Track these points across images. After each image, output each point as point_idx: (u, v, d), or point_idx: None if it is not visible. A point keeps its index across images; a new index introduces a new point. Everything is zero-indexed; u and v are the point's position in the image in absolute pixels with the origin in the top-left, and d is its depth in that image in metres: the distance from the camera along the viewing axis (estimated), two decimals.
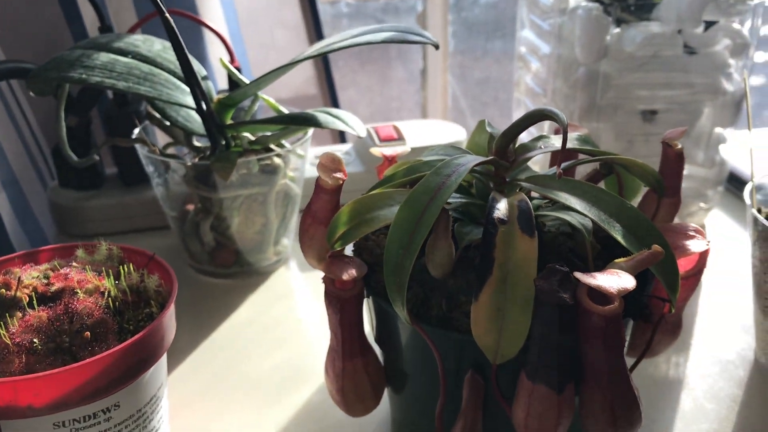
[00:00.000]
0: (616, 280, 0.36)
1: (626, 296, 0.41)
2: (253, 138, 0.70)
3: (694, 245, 0.42)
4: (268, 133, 0.70)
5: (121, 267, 0.45)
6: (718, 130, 0.76)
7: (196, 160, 0.69)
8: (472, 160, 0.42)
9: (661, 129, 0.75)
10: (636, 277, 0.43)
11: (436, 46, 0.63)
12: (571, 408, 0.39)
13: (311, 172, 0.80)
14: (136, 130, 0.72)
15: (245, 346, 0.64)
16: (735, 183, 0.90)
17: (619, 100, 0.73)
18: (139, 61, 0.64)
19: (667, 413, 0.55)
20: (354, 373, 0.45)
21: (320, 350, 0.63)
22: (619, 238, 0.40)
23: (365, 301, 0.46)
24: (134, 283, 0.45)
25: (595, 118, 0.75)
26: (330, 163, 0.41)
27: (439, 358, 0.41)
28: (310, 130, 0.71)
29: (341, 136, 1.14)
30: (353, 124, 0.65)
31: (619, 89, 0.73)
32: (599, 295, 0.37)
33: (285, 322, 0.67)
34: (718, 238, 0.80)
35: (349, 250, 0.48)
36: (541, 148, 0.46)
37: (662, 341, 0.47)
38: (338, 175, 0.41)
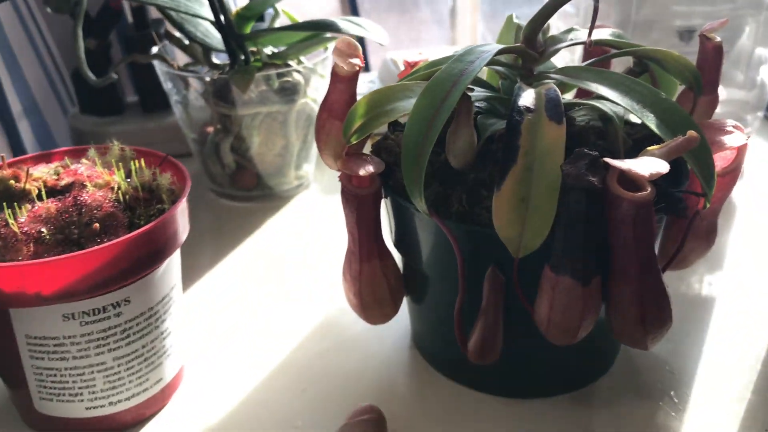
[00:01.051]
0: (648, 164, 0.34)
1: (659, 189, 0.39)
2: (272, 53, 0.68)
3: (732, 140, 0.40)
4: (283, 48, 0.68)
5: (132, 163, 0.44)
6: (759, 49, 0.72)
7: (215, 76, 0.67)
8: (498, 46, 0.40)
9: (697, 48, 0.71)
10: (671, 169, 0.41)
11: None
12: (598, 302, 0.37)
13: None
14: (155, 48, 0.70)
15: (263, 267, 0.63)
16: None
17: (654, 16, 0.70)
18: None
19: (699, 329, 0.53)
20: (372, 275, 0.44)
21: (337, 272, 0.61)
22: (654, 127, 0.37)
23: (384, 202, 0.45)
24: (146, 180, 0.44)
25: (630, 35, 0.71)
26: (346, 48, 0.39)
27: (458, 250, 0.39)
28: (330, 47, 0.69)
29: (366, 65, 1.12)
30: (375, 32, 0.62)
31: (656, 4, 0.69)
32: (630, 182, 0.35)
33: (304, 246, 0.66)
34: (758, 167, 0.77)
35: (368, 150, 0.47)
36: (571, 40, 0.43)
37: (695, 249, 0.45)
38: (355, 61, 0.39)
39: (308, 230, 0.69)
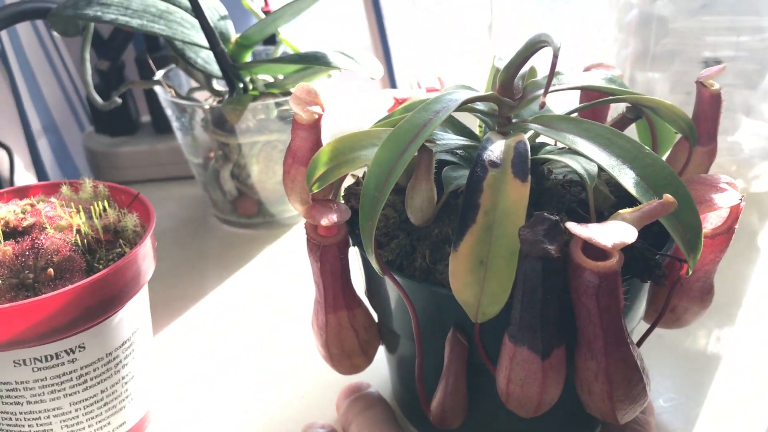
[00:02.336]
0: (614, 232, 0.31)
1: (633, 253, 0.36)
2: (271, 81, 0.67)
3: (724, 199, 0.37)
4: (281, 77, 0.67)
5: (94, 204, 0.44)
6: None
7: (215, 103, 0.67)
8: (466, 95, 0.37)
9: (725, 80, 0.66)
10: (653, 232, 0.39)
11: None
12: (560, 376, 0.35)
13: (340, 122, 0.77)
14: (159, 73, 0.70)
15: (258, 295, 0.62)
16: None
17: (677, 47, 0.66)
18: None
19: (700, 391, 0.49)
20: (338, 327, 0.42)
21: None
22: (629, 187, 0.35)
23: (354, 251, 0.43)
24: (110, 222, 0.43)
25: (649, 67, 0.68)
26: (305, 96, 0.38)
27: (412, 311, 0.37)
28: (336, 74, 0.67)
29: (391, 85, 1.10)
30: (367, 64, 0.61)
31: (678, 34, 0.66)
32: (598, 249, 0.32)
33: (301, 274, 0.65)
34: None
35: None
36: (554, 85, 0.41)
37: (689, 309, 0.42)
38: (314, 108, 0.38)
39: (306, 260, 0.67)
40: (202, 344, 0.57)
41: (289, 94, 0.66)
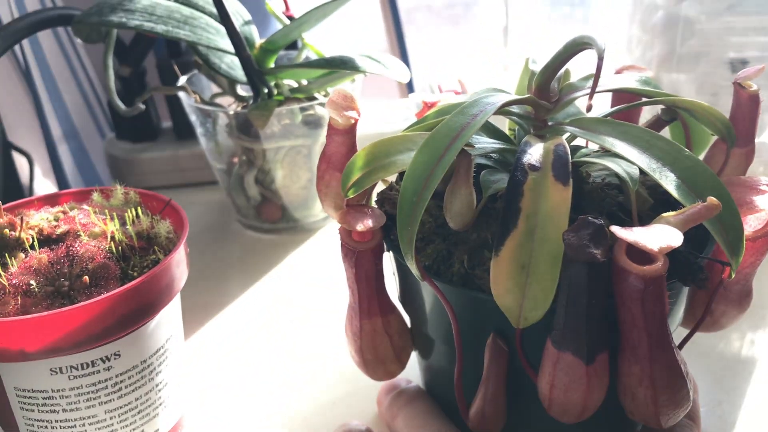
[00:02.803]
0: (659, 236, 0.31)
1: (676, 257, 0.36)
2: (296, 86, 0.67)
3: (765, 201, 0.36)
4: (305, 82, 0.67)
5: (128, 211, 0.44)
6: None
7: (239, 109, 0.67)
8: (503, 98, 0.37)
9: (752, 81, 0.66)
10: (691, 235, 0.38)
11: None
12: (604, 381, 0.34)
13: (366, 127, 0.77)
14: (182, 79, 0.71)
15: (283, 300, 0.63)
16: None
17: (702, 48, 0.66)
18: (180, 4, 0.62)
19: (735, 395, 0.49)
20: (373, 333, 0.42)
21: None
22: (671, 189, 0.34)
23: (388, 256, 0.43)
24: (143, 229, 0.43)
25: (675, 68, 0.67)
26: (341, 101, 0.38)
27: (453, 317, 0.37)
28: (359, 78, 0.68)
29: (410, 89, 1.10)
30: (395, 69, 0.61)
31: (703, 35, 0.65)
32: (642, 253, 0.32)
33: (325, 279, 0.65)
34: None
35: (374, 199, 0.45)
36: (588, 88, 0.41)
37: (726, 312, 0.42)
38: (350, 113, 0.37)
39: (333, 263, 0.67)
40: (230, 350, 0.57)
41: (313, 98, 0.66)
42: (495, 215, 0.38)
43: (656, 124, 0.43)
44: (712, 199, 0.32)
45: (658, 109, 0.43)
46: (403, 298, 0.44)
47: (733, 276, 0.35)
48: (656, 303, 0.32)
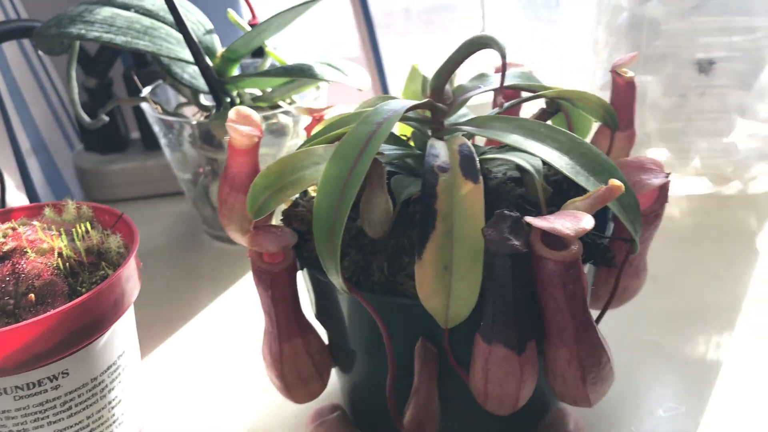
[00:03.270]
0: (572, 221, 0.33)
1: (584, 240, 0.38)
2: (260, 94, 0.67)
3: (653, 179, 0.39)
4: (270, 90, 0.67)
5: (77, 227, 0.43)
6: None
7: (202, 119, 0.66)
8: (405, 104, 0.38)
9: (719, 81, 0.68)
10: (594, 217, 0.40)
11: None
12: (535, 368, 0.36)
13: None
14: (145, 90, 0.70)
15: (251, 311, 0.61)
16: None
17: (669, 49, 0.67)
18: (141, 15, 0.62)
19: (701, 399, 0.49)
20: (294, 355, 0.42)
21: None
22: (573, 176, 0.36)
23: (300, 274, 0.42)
24: (93, 244, 0.42)
25: (641, 70, 0.68)
26: (241, 120, 0.37)
27: (383, 327, 0.37)
28: (324, 85, 0.68)
29: (384, 91, 1.09)
30: (355, 76, 0.61)
31: (670, 36, 0.66)
32: (555, 239, 0.34)
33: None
34: None
35: (278, 218, 0.44)
36: (480, 87, 0.42)
37: (628, 288, 0.44)
38: (251, 131, 0.37)
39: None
40: (195, 363, 0.56)
41: (277, 107, 0.66)
42: (410, 220, 0.39)
43: (542, 116, 0.45)
44: (614, 182, 0.34)
45: (544, 101, 0.46)
46: (320, 314, 0.44)
47: (638, 250, 0.37)
48: (576, 285, 0.34)
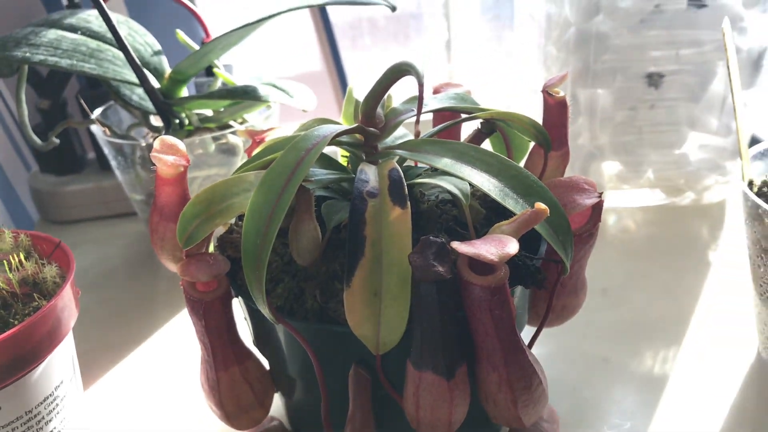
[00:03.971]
0: (497, 246, 0.33)
1: (515, 262, 0.39)
2: (209, 115, 0.67)
3: (585, 199, 0.40)
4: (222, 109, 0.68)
5: (11, 256, 0.43)
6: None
7: (152, 140, 0.66)
8: (334, 130, 0.38)
9: (669, 94, 0.69)
10: (525, 239, 0.41)
11: (393, 8, 0.61)
12: (466, 393, 0.36)
13: None
14: (96, 112, 0.70)
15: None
16: None
17: (619, 63, 0.68)
18: (88, 37, 0.62)
19: (646, 413, 0.50)
20: (231, 383, 0.42)
21: None
22: (500, 200, 0.37)
23: (237, 301, 0.42)
24: (28, 275, 0.42)
25: (591, 84, 0.69)
26: (166, 149, 0.37)
27: (313, 355, 0.37)
28: (276, 104, 0.69)
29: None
30: (300, 97, 0.61)
31: (619, 50, 0.67)
32: (483, 263, 0.34)
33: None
34: (738, 219, 0.67)
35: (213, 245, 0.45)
36: (412, 111, 0.43)
37: (567, 306, 0.45)
38: (176, 160, 0.37)
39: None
40: (146, 387, 0.56)
41: (227, 127, 0.67)
42: (341, 246, 0.39)
43: (477, 137, 0.46)
44: (539, 205, 0.35)
45: (479, 122, 0.46)
46: (258, 341, 0.44)
47: (568, 272, 0.38)
48: (503, 309, 0.34)
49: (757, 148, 0.53)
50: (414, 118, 0.43)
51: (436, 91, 0.50)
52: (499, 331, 0.35)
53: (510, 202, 0.37)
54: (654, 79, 0.69)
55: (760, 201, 0.46)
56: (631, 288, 0.64)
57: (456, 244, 0.33)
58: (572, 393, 0.52)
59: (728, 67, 0.49)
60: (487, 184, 0.37)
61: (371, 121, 0.40)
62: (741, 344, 0.56)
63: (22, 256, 0.44)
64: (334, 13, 1.12)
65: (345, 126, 0.39)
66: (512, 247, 0.33)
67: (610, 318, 0.60)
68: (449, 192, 0.39)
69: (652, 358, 0.56)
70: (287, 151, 0.37)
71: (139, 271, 0.74)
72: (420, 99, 0.35)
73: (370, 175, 0.37)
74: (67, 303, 0.42)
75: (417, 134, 0.35)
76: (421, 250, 0.34)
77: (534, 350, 0.55)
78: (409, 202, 0.36)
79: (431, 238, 0.34)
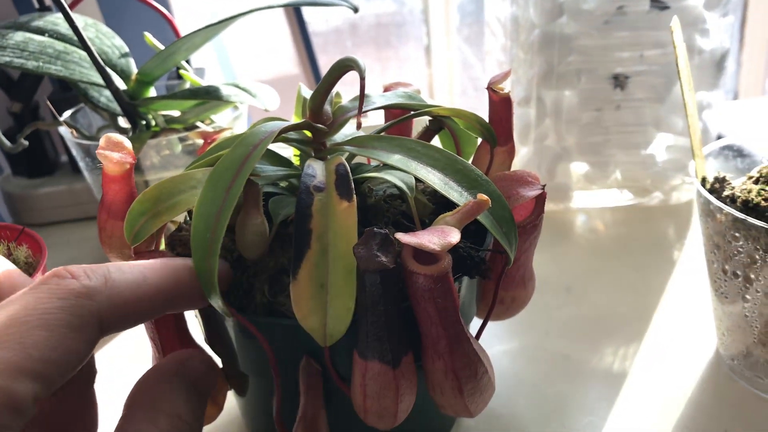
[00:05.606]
0: (440, 236, 0.36)
1: (460, 253, 0.42)
2: (176, 116, 0.70)
3: (528, 191, 0.43)
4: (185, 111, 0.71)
5: None
6: (699, 94, 0.73)
7: None
8: (281, 125, 0.41)
9: (634, 95, 0.73)
10: (473, 232, 0.44)
11: (355, 10, 0.64)
12: (412, 382, 0.39)
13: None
14: (65, 114, 0.73)
15: None
16: None
17: (584, 64, 0.71)
18: (55, 39, 0.64)
19: (605, 407, 0.53)
20: None
21: None
22: (446, 192, 0.40)
23: None
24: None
25: (555, 85, 0.72)
26: (111, 146, 0.39)
27: (268, 348, 0.40)
28: (244, 105, 0.72)
29: None
30: (263, 97, 0.64)
31: (584, 51, 0.70)
32: (428, 254, 0.37)
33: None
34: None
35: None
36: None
37: (516, 297, 0.48)
38: (122, 158, 0.39)
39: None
40: (106, 390, 0.56)
41: (194, 127, 0.69)
42: (289, 240, 0.42)
43: (426, 134, 0.49)
44: (481, 196, 0.38)
45: (428, 120, 0.50)
46: (210, 338, 0.46)
47: (512, 263, 0.41)
48: (447, 298, 0.37)
49: (712, 146, 0.57)
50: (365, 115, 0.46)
51: (386, 90, 0.53)
52: (443, 319, 0.37)
53: (454, 194, 0.40)
54: (620, 80, 0.73)
55: (711, 197, 0.49)
56: (595, 286, 0.68)
57: (399, 235, 0.36)
58: (533, 389, 0.55)
59: (677, 65, 0.53)
60: (432, 177, 0.40)
61: (319, 118, 0.43)
62: (700, 341, 0.59)
63: None
64: (316, 19, 1.17)
65: (291, 122, 0.42)
66: (454, 236, 0.36)
67: (572, 315, 0.63)
68: (396, 186, 0.42)
69: (612, 355, 0.59)
70: (235, 147, 0.40)
71: None
72: (362, 92, 0.37)
73: (317, 170, 0.40)
74: None
75: (358, 126, 0.38)
76: (366, 241, 0.36)
77: (496, 347, 0.60)
78: (355, 196, 0.39)
79: (375, 229, 0.36)
